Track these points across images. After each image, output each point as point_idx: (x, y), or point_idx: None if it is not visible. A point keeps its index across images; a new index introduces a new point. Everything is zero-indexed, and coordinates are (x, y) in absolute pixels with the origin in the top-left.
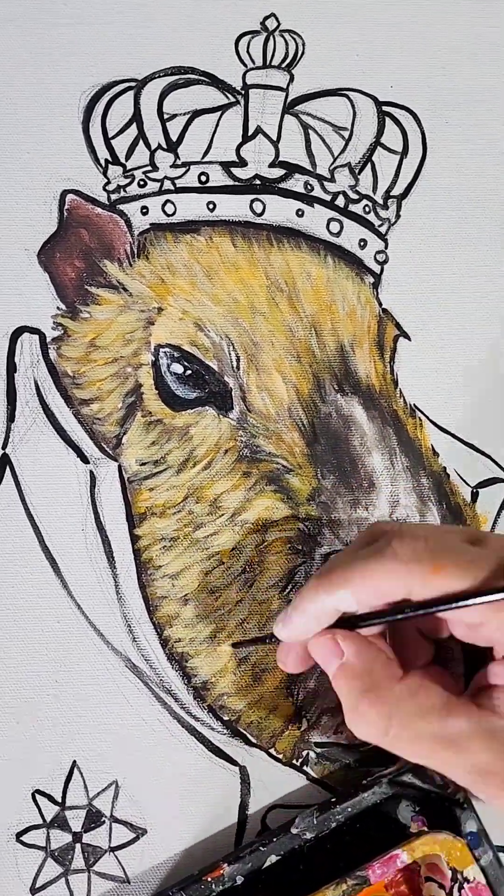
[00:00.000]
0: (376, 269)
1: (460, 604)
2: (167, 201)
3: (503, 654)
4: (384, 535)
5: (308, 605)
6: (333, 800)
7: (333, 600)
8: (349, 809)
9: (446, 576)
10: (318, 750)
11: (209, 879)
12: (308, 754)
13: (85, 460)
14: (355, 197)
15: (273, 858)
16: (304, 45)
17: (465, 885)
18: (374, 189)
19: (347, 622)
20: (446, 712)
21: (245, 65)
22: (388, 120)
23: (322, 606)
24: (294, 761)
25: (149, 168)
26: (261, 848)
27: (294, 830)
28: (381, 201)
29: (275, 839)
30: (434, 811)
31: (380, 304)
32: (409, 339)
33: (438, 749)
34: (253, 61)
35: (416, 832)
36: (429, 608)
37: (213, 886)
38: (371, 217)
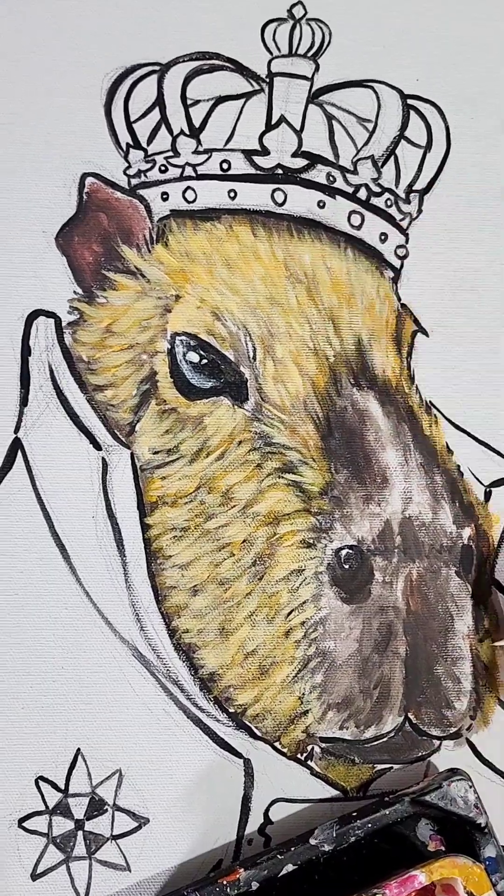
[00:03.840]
0: (396, 263)
1: None
2: (188, 188)
3: None
4: None
5: None
6: (354, 814)
7: None
8: (370, 825)
9: None
10: (323, 745)
11: (224, 883)
12: (313, 749)
13: (97, 447)
14: (377, 190)
15: (290, 867)
16: (330, 34)
17: None
18: (397, 183)
19: None
20: None
21: (270, 52)
22: (412, 113)
23: None
24: (299, 755)
25: (170, 153)
26: (278, 856)
27: (313, 841)
28: (403, 195)
29: (293, 848)
30: (452, 833)
31: (399, 299)
32: (427, 335)
33: None
34: (279, 49)
35: (433, 852)
36: None
37: (229, 890)
38: (393, 211)
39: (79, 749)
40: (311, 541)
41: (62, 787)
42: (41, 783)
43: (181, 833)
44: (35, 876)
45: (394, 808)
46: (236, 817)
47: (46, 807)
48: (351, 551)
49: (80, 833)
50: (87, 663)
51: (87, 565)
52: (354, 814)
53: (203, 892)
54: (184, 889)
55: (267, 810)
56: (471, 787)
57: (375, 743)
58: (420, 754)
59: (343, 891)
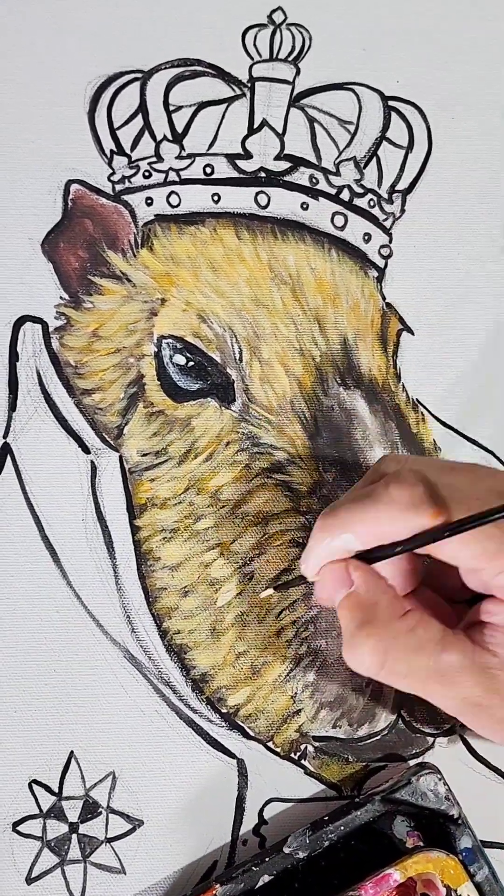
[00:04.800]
0: (380, 263)
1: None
2: (172, 192)
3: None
4: (382, 476)
5: (317, 547)
6: (326, 818)
7: (339, 542)
8: (342, 828)
9: (446, 518)
10: (317, 744)
11: None
12: (306, 748)
13: (86, 450)
14: (360, 191)
15: (266, 878)
16: (310, 38)
17: None
18: (379, 183)
19: (363, 556)
20: (441, 647)
21: (251, 58)
22: (393, 115)
23: (329, 548)
24: (292, 755)
25: (154, 159)
26: (253, 868)
27: (287, 850)
28: (385, 196)
29: (267, 859)
30: (429, 827)
31: (383, 299)
32: (413, 333)
33: (431, 682)
34: (259, 54)
35: (412, 848)
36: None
37: None
38: (376, 211)
39: (72, 752)
40: (301, 540)
41: (56, 790)
42: (35, 786)
43: (176, 834)
44: (30, 880)
45: (365, 809)
46: (230, 818)
47: (40, 810)
48: None
49: (74, 836)
50: (79, 666)
51: (78, 568)
52: (326, 818)
53: None
54: None
55: (261, 810)
56: (440, 779)
57: (369, 741)
58: (414, 752)
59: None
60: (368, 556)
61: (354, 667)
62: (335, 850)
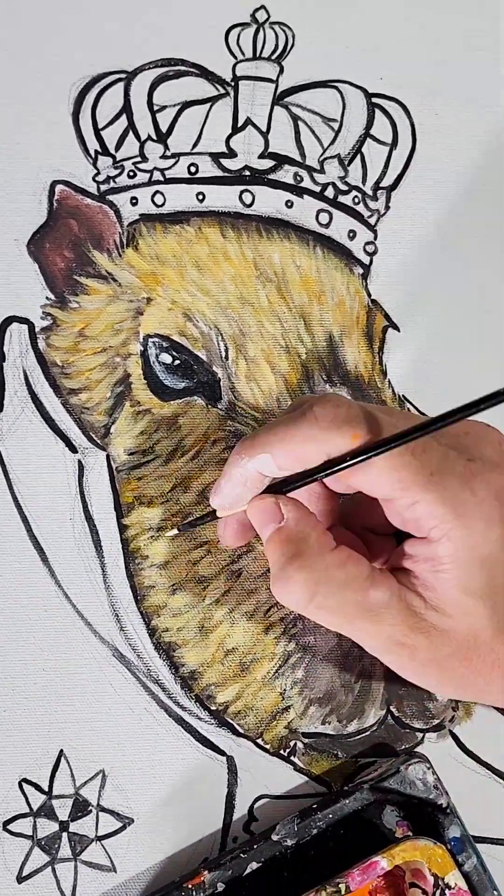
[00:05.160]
0: (365, 259)
1: (362, 458)
2: (157, 192)
3: (418, 534)
4: (307, 401)
5: (233, 470)
6: (315, 806)
7: (255, 464)
8: (330, 816)
9: (362, 442)
10: (306, 740)
11: (190, 886)
12: (296, 744)
13: (73, 450)
14: (344, 188)
15: (254, 865)
16: (294, 37)
17: (447, 891)
18: (364, 180)
19: (275, 490)
20: (370, 583)
21: (235, 57)
22: (377, 111)
23: (245, 471)
24: (281, 751)
25: (138, 159)
26: (241, 855)
27: (275, 837)
28: (370, 192)
29: (255, 846)
30: (418, 817)
31: (369, 295)
32: (398, 329)
33: (359, 619)
34: (243, 53)
35: (401, 838)
36: (338, 465)
37: (194, 893)
38: (360, 208)
39: (62, 750)
40: None
41: (46, 788)
42: (25, 785)
43: (166, 832)
44: (21, 879)
45: (354, 797)
46: (221, 815)
47: (31, 809)
48: None
49: (64, 834)
50: (68, 665)
51: (66, 567)
52: (314, 806)
53: None
54: None
55: (251, 807)
56: (429, 768)
57: (358, 737)
58: (403, 747)
59: (312, 885)
60: (283, 488)
61: (284, 601)
62: (324, 839)
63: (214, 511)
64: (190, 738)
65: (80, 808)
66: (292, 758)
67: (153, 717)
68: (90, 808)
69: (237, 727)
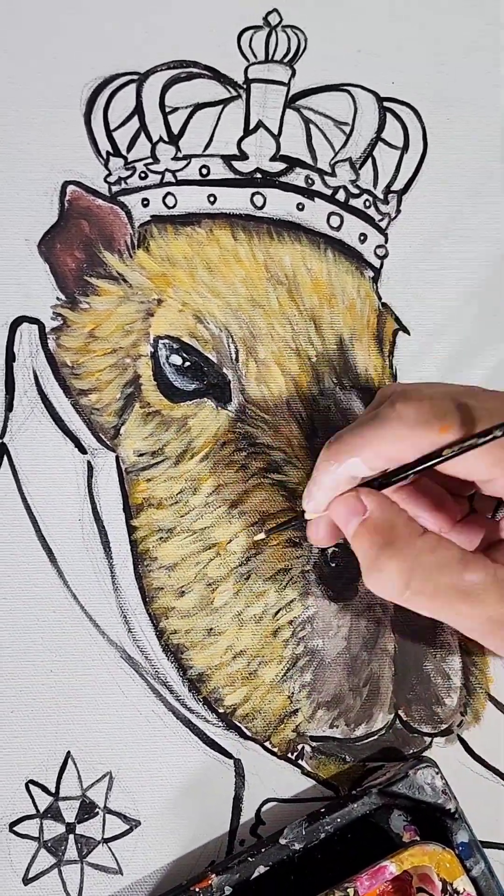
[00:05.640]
0: (376, 263)
1: (458, 449)
2: (168, 193)
3: None
4: (388, 398)
5: (323, 477)
6: (323, 810)
7: (345, 469)
8: (338, 820)
9: (453, 434)
10: (314, 744)
11: (197, 890)
12: (303, 748)
13: (83, 450)
14: (356, 191)
15: (262, 869)
16: (306, 40)
17: None
18: (375, 184)
19: (369, 486)
20: (463, 566)
21: (247, 59)
22: (389, 115)
23: (336, 477)
24: (289, 755)
25: (150, 160)
26: (249, 858)
27: (283, 841)
28: (381, 196)
29: (263, 850)
30: (426, 822)
31: (379, 299)
32: (409, 333)
33: (456, 601)
34: (255, 56)
35: (408, 843)
36: (434, 460)
37: None
38: (371, 212)
39: (69, 752)
40: (297, 539)
41: (53, 790)
42: (32, 787)
43: (173, 835)
44: (27, 880)
45: (362, 801)
46: (228, 818)
47: (37, 810)
48: (337, 549)
49: (71, 836)
50: (76, 666)
51: (75, 568)
52: (322, 810)
53: None
54: None
55: (259, 810)
56: (437, 773)
57: (366, 741)
58: (411, 752)
59: (319, 889)
60: (375, 486)
61: (378, 591)
62: (331, 843)
63: (302, 513)
64: (197, 741)
65: (87, 809)
66: (300, 761)
67: (161, 720)
68: (97, 810)
69: (245, 730)
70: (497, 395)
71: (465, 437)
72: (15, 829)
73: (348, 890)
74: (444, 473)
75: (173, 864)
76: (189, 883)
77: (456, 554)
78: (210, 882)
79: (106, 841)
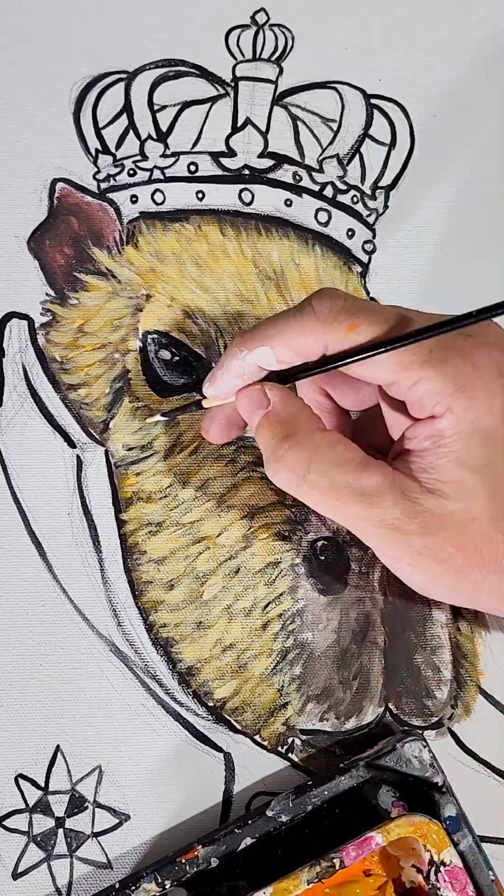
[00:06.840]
0: (364, 258)
1: (368, 354)
2: (156, 190)
3: (420, 415)
4: (308, 296)
5: (231, 361)
6: (310, 782)
7: (253, 356)
8: (325, 793)
9: (360, 333)
10: (304, 737)
11: (183, 861)
12: (293, 741)
13: (72, 445)
14: (343, 187)
15: (248, 841)
16: (293, 38)
17: (442, 868)
18: (363, 180)
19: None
20: (363, 467)
21: (235, 58)
22: (376, 112)
23: (243, 363)
24: (279, 748)
25: (138, 157)
26: (236, 830)
27: (269, 813)
28: (369, 192)
29: (250, 822)
30: (413, 796)
31: (367, 293)
32: None
33: (351, 501)
34: (243, 54)
35: (395, 817)
36: (342, 360)
37: (188, 868)
38: (359, 207)
39: (58, 746)
40: (287, 533)
41: (42, 784)
42: (21, 781)
43: (162, 829)
44: (16, 875)
45: (349, 774)
46: (217, 812)
47: (27, 805)
48: (326, 542)
49: (60, 831)
50: (65, 660)
51: (64, 562)
52: (310, 782)
53: (162, 872)
54: (143, 870)
55: (249, 804)
56: (425, 746)
57: (357, 734)
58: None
59: (306, 861)
60: (284, 383)
61: (277, 481)
62: (319, 816)
63: (199, 401)
64: (187, 735)
65: (77, 804)
66: (290, 755)
67: (150, 713)
68: (86, 804)
69: (235, 723)
70: (433, 316)
71: (373, 341)
72: (4, 823)
73: (334, 860)
74: (351, 376)
75: (163, 858)
76: (175, 854)
77: (357, 455)
78: (196, 853)
79: (95, 835)
